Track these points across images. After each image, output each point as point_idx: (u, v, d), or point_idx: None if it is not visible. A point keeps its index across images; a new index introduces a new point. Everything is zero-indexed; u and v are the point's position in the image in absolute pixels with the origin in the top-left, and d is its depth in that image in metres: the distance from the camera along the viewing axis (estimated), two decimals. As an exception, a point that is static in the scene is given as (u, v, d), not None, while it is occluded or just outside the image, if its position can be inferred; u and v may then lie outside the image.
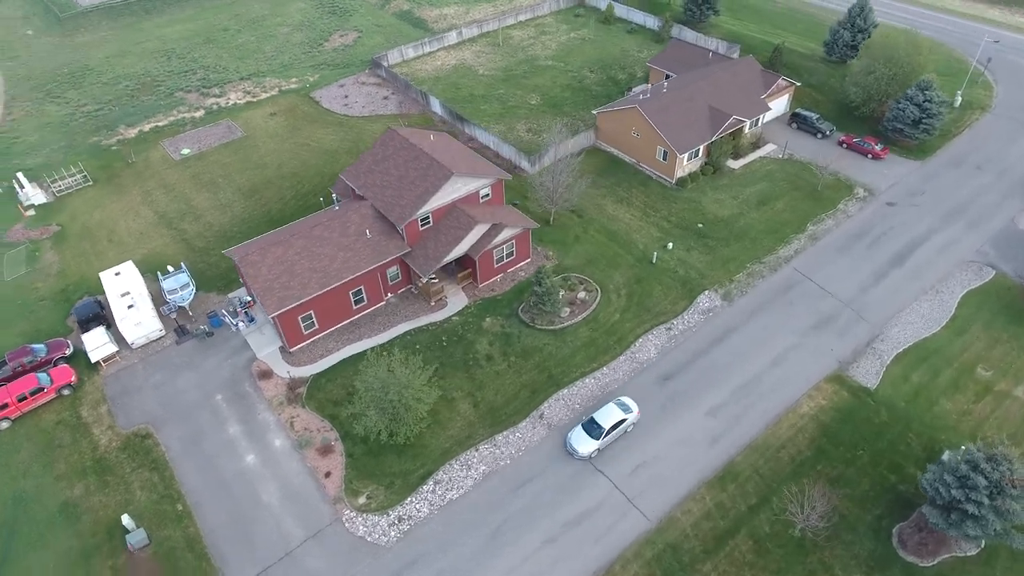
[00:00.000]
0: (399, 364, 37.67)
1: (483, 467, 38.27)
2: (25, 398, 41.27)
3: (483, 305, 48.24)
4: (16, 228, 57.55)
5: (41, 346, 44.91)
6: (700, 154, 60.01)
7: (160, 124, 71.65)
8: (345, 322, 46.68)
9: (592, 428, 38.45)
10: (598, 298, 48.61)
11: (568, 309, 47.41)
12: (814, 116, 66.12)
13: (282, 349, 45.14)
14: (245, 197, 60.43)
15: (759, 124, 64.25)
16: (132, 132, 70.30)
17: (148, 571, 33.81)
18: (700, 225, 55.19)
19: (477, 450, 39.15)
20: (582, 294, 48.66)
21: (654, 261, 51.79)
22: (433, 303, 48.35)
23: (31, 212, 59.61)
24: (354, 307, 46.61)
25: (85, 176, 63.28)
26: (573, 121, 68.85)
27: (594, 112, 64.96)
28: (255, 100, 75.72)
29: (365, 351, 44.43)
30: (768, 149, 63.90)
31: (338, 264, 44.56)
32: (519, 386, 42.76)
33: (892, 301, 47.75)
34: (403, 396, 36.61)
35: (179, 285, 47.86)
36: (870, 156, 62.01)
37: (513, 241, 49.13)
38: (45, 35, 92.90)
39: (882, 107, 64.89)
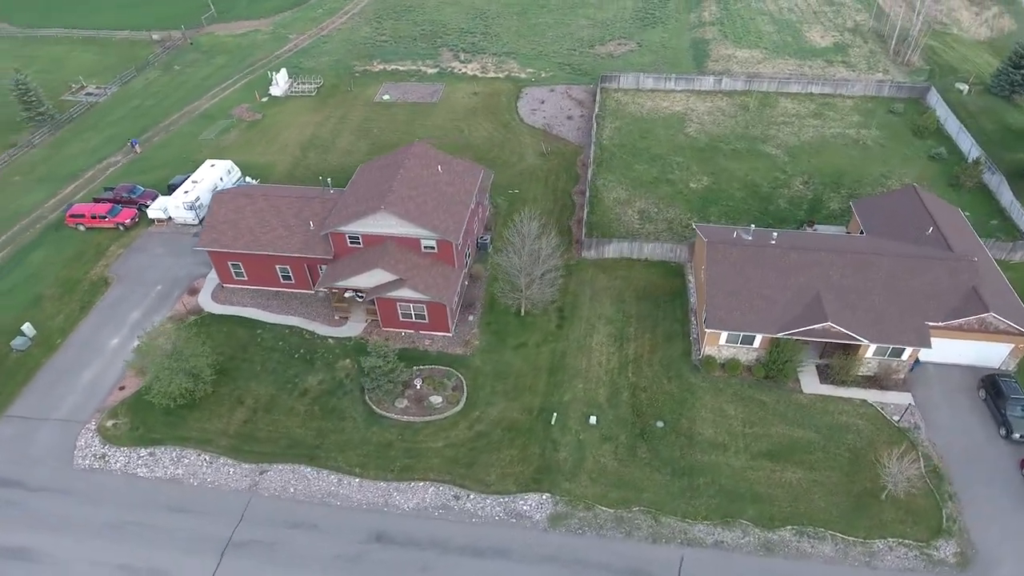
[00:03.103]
0: (180, 340, 40.07)
1: (180, 471, 38.75)
2: (95, 218, 56.84)
3: (363, 347, 45.37)
4: (242, 107, 75.16)
5: (140, 189, 60.16)
6: (756, 344, 42.03)
7: (400, 69, 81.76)
8: (272, 288, 49.90)
9: None
10: (447, 414, 41.00)
11: (405, 402, 41.45)
12: (1022, 400, 38.77)
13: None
14: (367, 152, 66.26)
15: (903, 357, 40.80)
16: (377, 67, 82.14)
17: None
18: (659, 424, 40.04)
19: (198, 456, 39.49)
20: (438, 399, 41.61)
21: (552, 423, 40.41)
22: (337, 318, 47.70)
23: (264, 99, 76.74)
24: (281, 280, 49.24)
25: (317, 88, 77.69)
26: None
27: (693, 225, 50.23)
28: (480, 76, 79.52)
29: (253, 317, 47.75)
30: (889, 398, 40.69)
31: (271, 237, 47.32)
32: (286, 434, 40.39)
33: None
34: (153, 364, 39.18)
35: (212, 188, 57.38)
36: (1051, 515, 34.42)
37: (424, 307, 44.18)
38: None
39: None
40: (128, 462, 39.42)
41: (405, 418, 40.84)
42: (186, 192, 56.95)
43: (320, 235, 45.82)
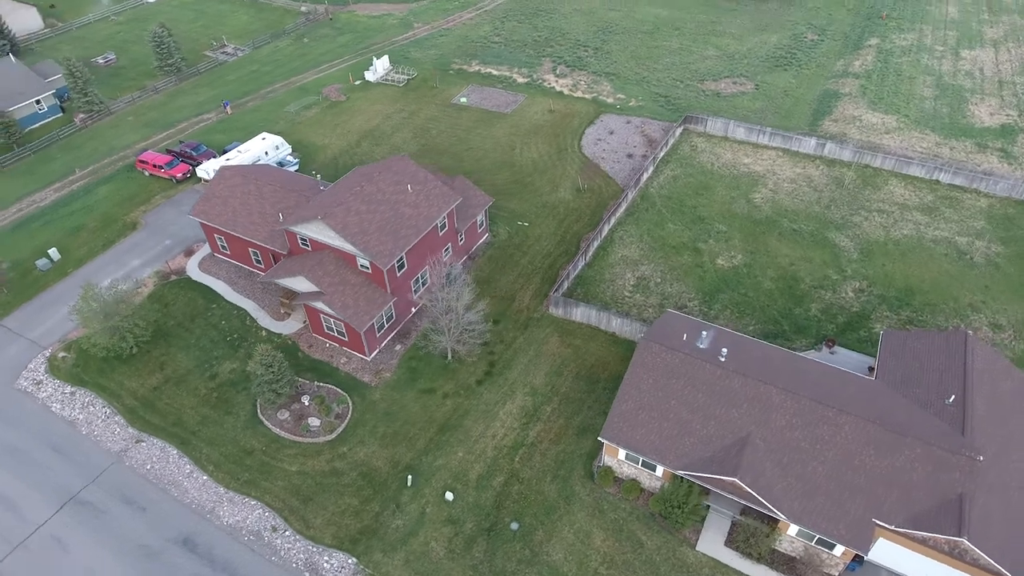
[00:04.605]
0: (115, 298, 43.05)
1: (81, 416, 41.87)
2: (155, 167, 63.22)
3: (286, 347, 45.51)
4: (333, 87, 78.67)
5: (204, 148, 65.63)
6: (659, 473, 34.92)
7: (493, 73, 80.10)
8: (247, 267, 51.78)
9: None
10: (317, 440, 39.58)
11: (287, 414, 40.71)
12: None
13: (215, 249, 54.36)
14: (416, 150, 65.83)
15: (836, 552, 31.21)
16: (473, 68, 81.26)
17: (20, 280, 52.52)
18: (514, 526, 35.10)
19: (103, 407, 42.33)
20: (315, 422, 40.31)
21: (408, 484, 37.25)
22: (282, 311, 48.18)
23: (357, 83, 79.73)
24: (254, 263, 50.88)
25: (408, 80, 78.98)
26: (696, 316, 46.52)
27: (670, 310, 42.66)
28: (566, 93, 75.31)
29: (218, 292, 50.05)
30: (802, 595, 31.56)
31: (246, 220, 48.87)
32: (178, 412, 41.90)
33: None
34: (83, 314, 42.55)
35: (253, 160, 60.60)
36: None
37: (343, 324, 42.88)
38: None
39: None
40: (51, 394, 43.58)
41: (277, 431, 40.34)
42: (228, 160, 61.15)
43: (276, 230, 46.58)
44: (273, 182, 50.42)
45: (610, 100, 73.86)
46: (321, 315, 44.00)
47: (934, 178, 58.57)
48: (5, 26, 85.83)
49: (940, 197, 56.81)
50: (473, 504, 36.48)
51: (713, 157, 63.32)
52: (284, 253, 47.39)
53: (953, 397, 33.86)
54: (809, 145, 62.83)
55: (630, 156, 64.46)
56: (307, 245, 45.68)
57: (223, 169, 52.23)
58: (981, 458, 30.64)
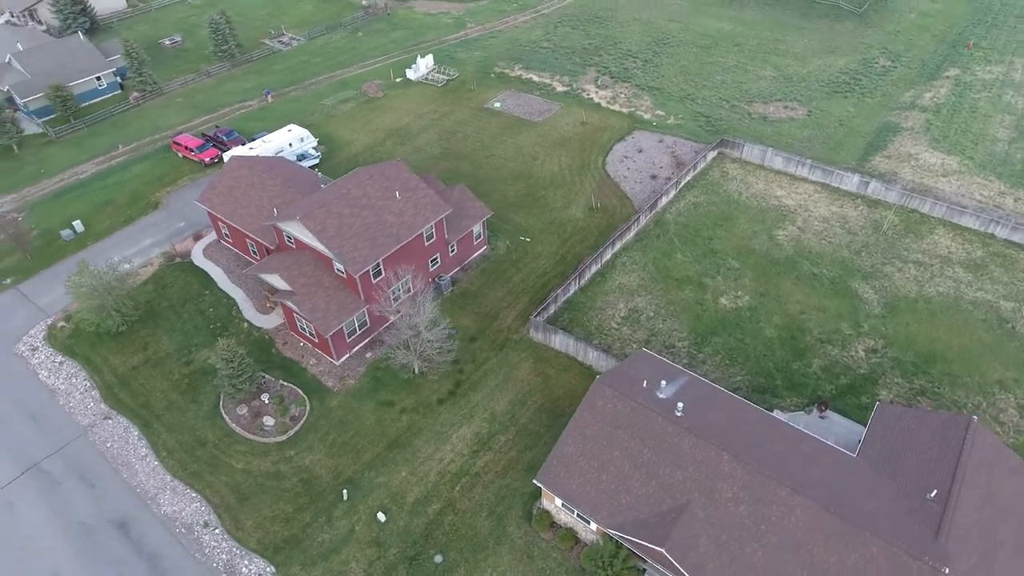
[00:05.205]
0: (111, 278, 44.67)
1: (62, 386, 43.61)
2: (188, 149, 65.47)
3: (263, 341, 45.81)
4: (373, 83, 79.03)
5: (236, 134, 67.40)
6: (594, 528, 32.52)
7: (533, 79, 78.33)
8: (245, 257, 52.56)
9: None
10: (267, 440, 39.49)
11: (246, 409, 40.84)
12: None
13: (221, 237, 55.58)
14: (437, 153, 65.33)
15: (771, 647, 28.00)
16: (515, 72, 79.77)
17: (44, 248, 55.49)
18: (438, 559, 33.74)
19: (84, 380, 43.96)
20: (270, 422, 40.23)
21: (344, 498, 36.51)
22: (268, 304, 48.54)
23: (398, 80, 79.90)
24: (251, 253, 51.55)
25: (448, 80, 78.45)
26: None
27: (644, 350, 39.77)
28: (604, 105, 72.63)
29: (213, 278, 51.11)
30: None
31: (243, 212, 49.49)
32: (148, 394, 42.97)
33: None
34: (75, 289, 44.25)
35: (276, 151, 61.61)
36: None
37: (312, 326, 42.59)
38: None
39: None
40: (42, 361, 45.71)
41: (233, 425, 40.60)
42: (251, 148, 62.49)
43: (265, 225, 46.94)
44: (276, 176, 50.87)
45: (647, 116, 70.63)
46: (294, 315, 44.04)
47: (989, 231, 52.38)
48: (88, 5, 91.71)
49: (992, 253, 50.75)
50: (403, 529, 35.36)
51: (743, 186, 59.23)
52: (273, 248, 47.84)
53: (935, 492, 29.82)
54: (851, 182, 57.67)
55: (654, 177, 61.27)
56: (292, 243, 45.86)
57: (232, 159, 53.28)
58: (947, 570, 26.69)
